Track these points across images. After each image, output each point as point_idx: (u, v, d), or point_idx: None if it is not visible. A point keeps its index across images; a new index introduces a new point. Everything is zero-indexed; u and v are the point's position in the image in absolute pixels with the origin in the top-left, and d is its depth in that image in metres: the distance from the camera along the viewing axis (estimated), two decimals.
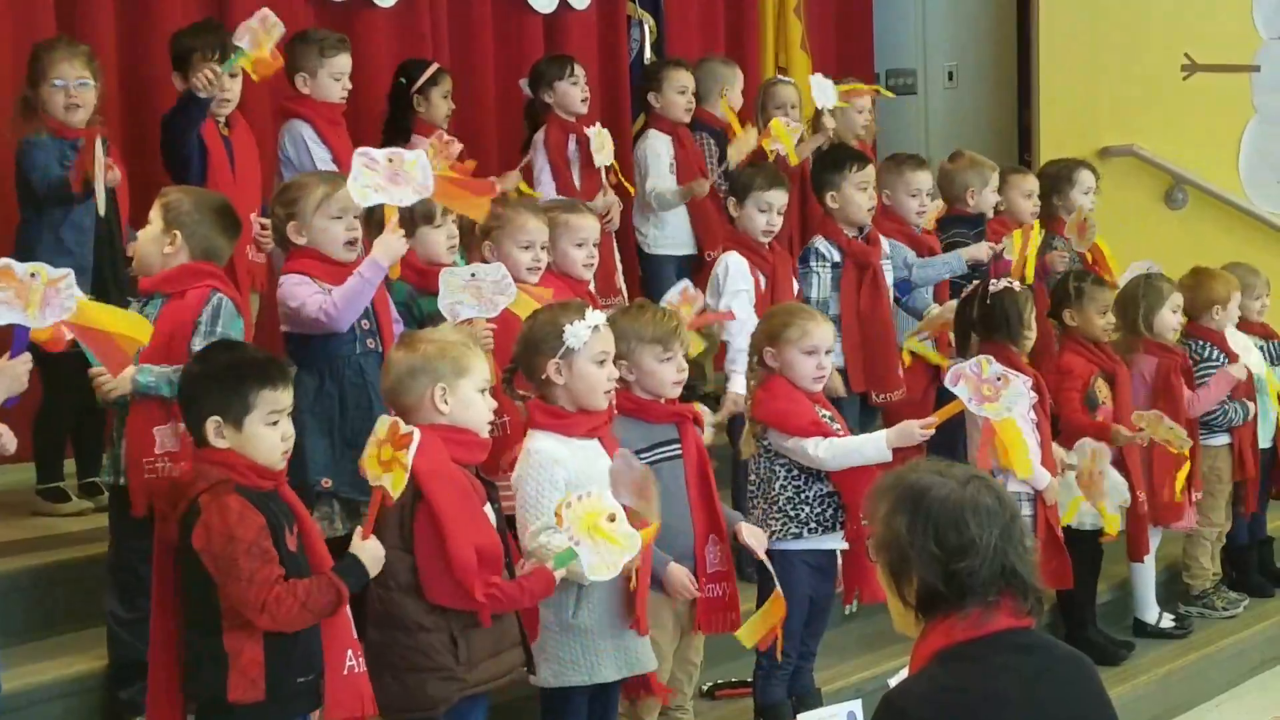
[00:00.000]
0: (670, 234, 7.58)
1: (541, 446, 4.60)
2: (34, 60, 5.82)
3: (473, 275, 5.12)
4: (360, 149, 4.96)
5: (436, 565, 4.21)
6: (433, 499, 4.20)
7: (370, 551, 4.07)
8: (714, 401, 7.65)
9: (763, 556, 4.99)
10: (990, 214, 7.39)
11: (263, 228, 5.68)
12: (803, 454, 5.18)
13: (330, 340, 5.02)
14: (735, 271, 6.31)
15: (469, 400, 4.39)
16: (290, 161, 6.46)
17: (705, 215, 7.55)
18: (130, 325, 4.38)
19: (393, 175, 4.90)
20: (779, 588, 4.90)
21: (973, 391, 5.08)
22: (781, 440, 5.21)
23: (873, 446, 5.18)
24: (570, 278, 5.69)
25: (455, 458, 4.32)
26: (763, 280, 6.34)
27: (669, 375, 4.91)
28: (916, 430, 5.17)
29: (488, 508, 4.39)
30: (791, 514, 5.22)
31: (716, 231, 7.48)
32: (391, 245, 4.94)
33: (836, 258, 6.64)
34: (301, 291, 5.00)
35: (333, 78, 6.51)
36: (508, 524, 4.60)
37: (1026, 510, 6.18)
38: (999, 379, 5.09)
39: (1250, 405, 7.13)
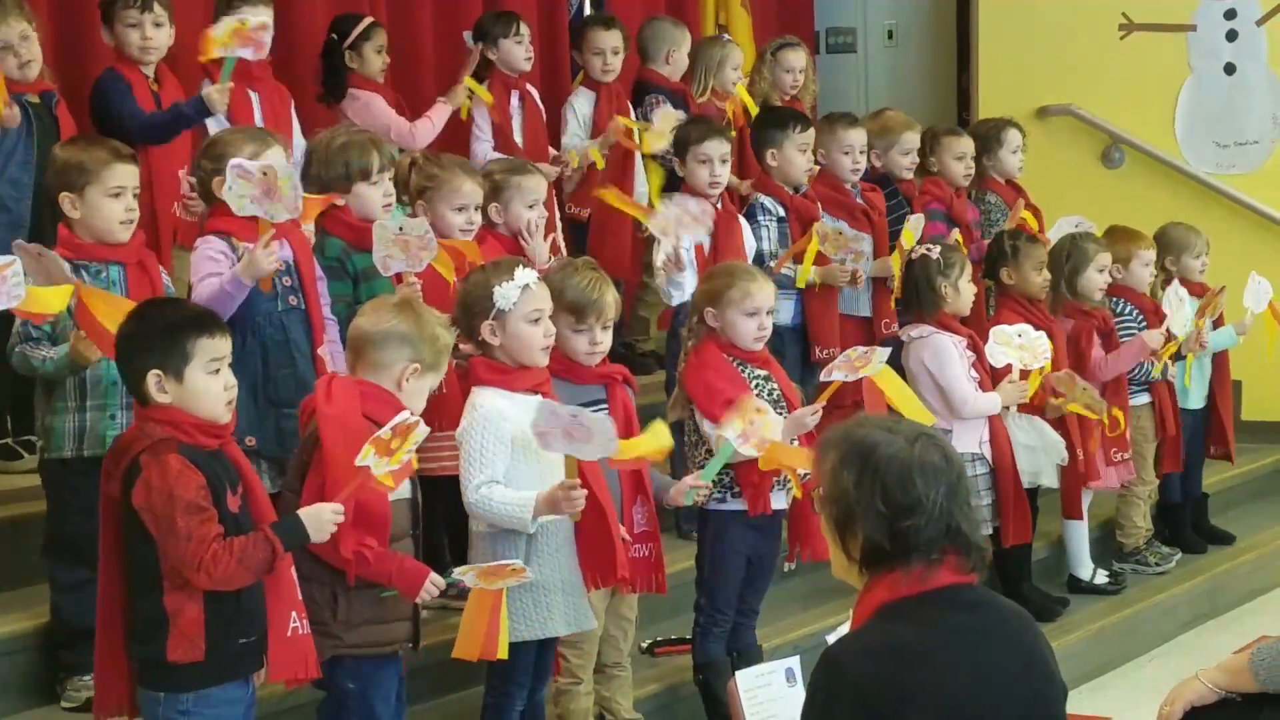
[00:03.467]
0: None
1: (487, 402, 4.59)
2: None
3: (400, 229, 5.10)
4: (234, 160, 4.82)
5: None
6: (326, 444, 4.18)
7: (313, 515, 4.00)
8: (653, 359, 7.70)
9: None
10: (902, 175, 7.35)
11: (191, 188, 5.63)
12: (708, 435, 5.19)
13: (251, 298, 4.96)
14: None
15: (421, 391, 4.41)
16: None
17: (617, 176, 7.46)
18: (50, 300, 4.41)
19: (267, 189, 4.78)
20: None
21: (848, 370, 5.23)
22: (698, 418, 5.24)
23: None
24: (518, 240, 5.67)
25: (365, 410, 4.28)
26: (706, 240, 6.32)
27: (580, 347, 4.87)
28: (807, 418, 5.16)
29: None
30: (717, 478, 5.19)
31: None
32: (258, 262, 4.80)
33: (781, 212, 6.68)
34: (203, 268, 4.94)
35: None
36: (427, 484, 4.63)
37: (983, 469, 6.27)
38: (866, 352, 5.25)
39: (1168, 363, 7.17)
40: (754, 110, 7.25)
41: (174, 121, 5.95)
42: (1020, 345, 6.27)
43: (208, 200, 5.15)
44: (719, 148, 6.42)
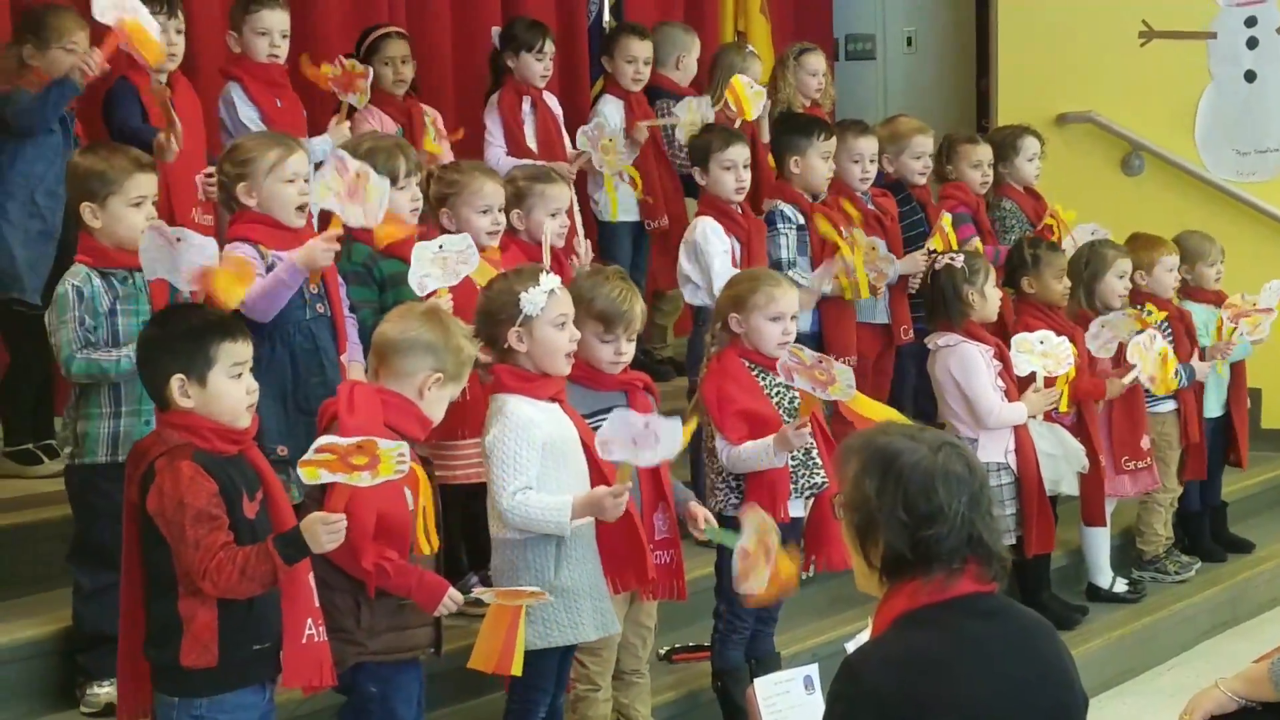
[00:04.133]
0: (622, 200, 7.56)
1: (516, 409, 4.59)
2: (39, 21, 5.79)
3: (440, 247, 5.11)
4: (338, 150, 4.90)
5: None
6: None
7: (309, 526, 3.91)
8: (670, 366, 7.70)
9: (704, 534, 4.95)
10: (915, 180, 7.36)
11: (206, 194, 5.67)
12: (718, 447, 5.18)
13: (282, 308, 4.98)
14: (712, 234, 6.32)
15: (443, 401, 4.42)
16: (225, 125, 6.40)
17: (650, 185, 7.51)
18: None
19: (352, 190, 4.82)
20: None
21: (810, 380, 4.92)
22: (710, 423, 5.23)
23: (763, 453, 5.13)
24: (539, 246, 5.66)
25: (390, 422, 4.27)
26: (736, 246, 6.34)
27: (605, 356, 4.88)
28: (790, 434, 5.01)
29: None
30: (733, 484, 5.23)
31: (658, 203, 7.47)
32: (315, 253, 4.82)
33: (800, 220, 6.69)
34: None
35: (256, 34, 6.38)
36: (444, 493, 4.65)
37: (1007, 479, 6.26)
38: (820, 360, 5.00)
39: (1195, 367, 7.16)
40: (747, 105, 7.17)
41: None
42: (1043, 352, 6.25)
43: (229, 207, 5.15)
44: (742, 153, 6.45)
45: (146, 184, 4.84)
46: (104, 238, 4.80)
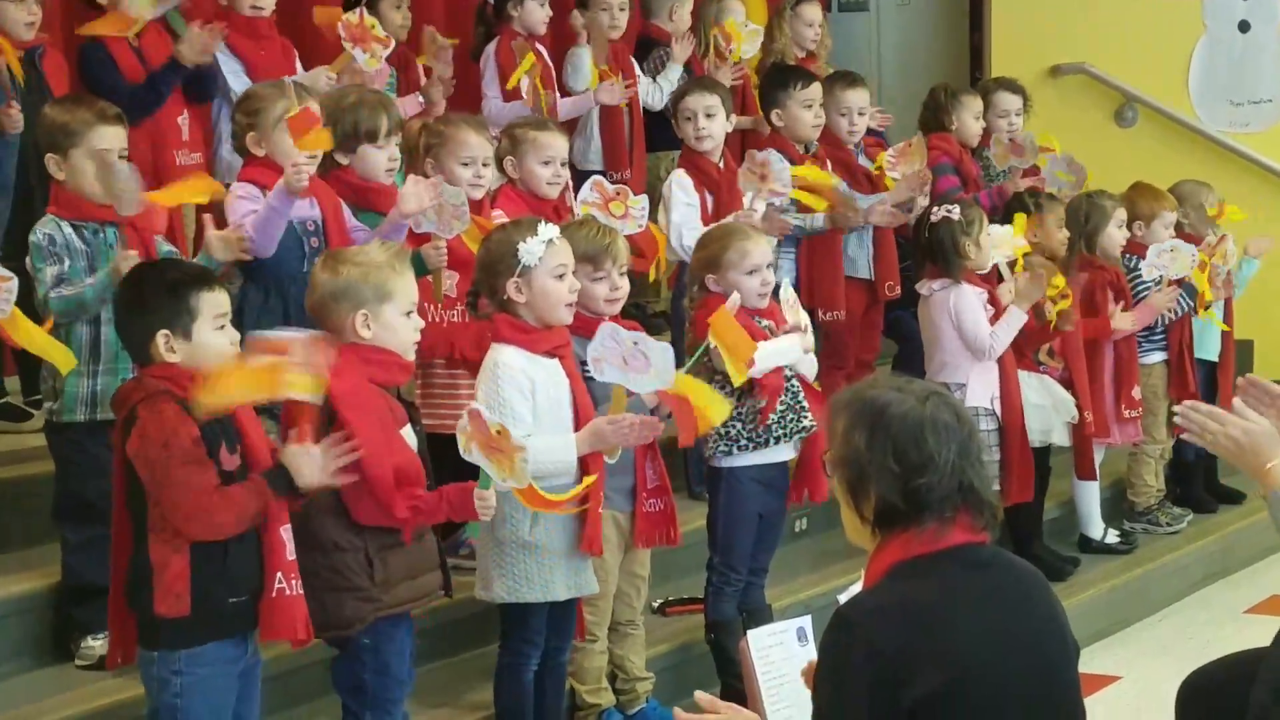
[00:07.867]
0: (598, 149, 7.54)
1: (508, 359, 4.58)
2: None
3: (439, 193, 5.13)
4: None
5: (357, 486, 4.14)
6: (347, 423, 4.12)
7: (290, 459, 3.94)
8: (664, 320, 7.70)
9: None
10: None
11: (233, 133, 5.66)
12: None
13: (279, 257, 5.00)
14: (678, 188, 6.32)
15: (392, 325, 4.30)
16: None
17: (614, 135, 7.49)
18: (50, 352, 4.50)
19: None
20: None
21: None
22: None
23: (787, 346, 5.16)
24: (535, 196, 5.65)
25: (373, 378, 4.25)
26: (709, 199, 6.32)
27: (599, 293, 4.87)
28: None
29: (408, 429, 4.35)
30: (723, 431, 5.19)
31: (623, 154, 7.43)
32: (290, 178, 4.85)
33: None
34: (240, 208, 5.02)
35: None
36: (432, 443, 4.60)
37: (990, 425, 6.26)
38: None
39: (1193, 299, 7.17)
40: (739, 42, 7.30)
41: (152, 89, 5.94)
42: (1013, 243, 6.37)
43: (241, 153, 5.23)
44: (700, 101, 6.39)
45: (112, 136, 4.80)
46: (70, 190, 4.78)
